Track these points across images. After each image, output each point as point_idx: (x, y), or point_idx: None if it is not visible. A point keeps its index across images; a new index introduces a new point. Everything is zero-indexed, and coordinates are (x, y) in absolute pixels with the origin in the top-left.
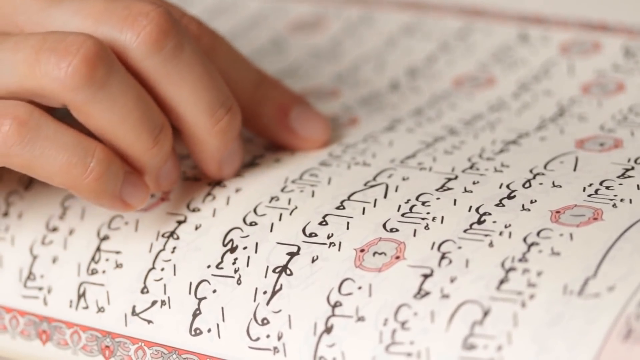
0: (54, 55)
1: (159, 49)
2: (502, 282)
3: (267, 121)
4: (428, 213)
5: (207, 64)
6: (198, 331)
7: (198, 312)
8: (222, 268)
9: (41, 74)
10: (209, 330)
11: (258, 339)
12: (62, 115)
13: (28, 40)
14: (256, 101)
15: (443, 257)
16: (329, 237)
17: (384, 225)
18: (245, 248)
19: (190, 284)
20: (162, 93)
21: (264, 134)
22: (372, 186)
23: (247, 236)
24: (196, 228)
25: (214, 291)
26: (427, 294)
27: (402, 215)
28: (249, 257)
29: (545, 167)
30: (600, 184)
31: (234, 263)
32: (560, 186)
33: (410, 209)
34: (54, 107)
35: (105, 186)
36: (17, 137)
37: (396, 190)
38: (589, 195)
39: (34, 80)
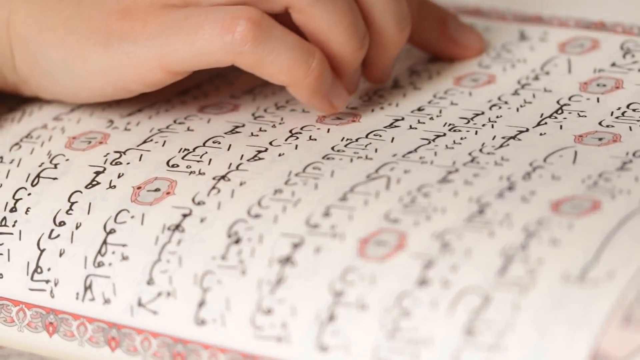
0: None
1: None
2: (502, 269)
3: (429, 34)
4: (429, 204)
5: None
6: (203, 321)
7: (203, 302)
8: (226, 259)
9: None
10: (214, 321)
11: (262, 328)
12: None
13: None
14: (421, 17)
15: (444, 246)
16: (332, 228)
17: (386, 216)
18: (249, 239)
19: (196, 275)
20: (361, 1)
21: (426, 47)
22: (374, 178)
23: (252, 228)
24: (201, 221)
25: (219, 282)
26: (429, 282)
27: (404, 206)
28: (253, 249)
29: (544, 160)
30: (599, 176)
31: (238, 254)
32: (560, 178)
33: (412, 200)
34: None
35: (321, 86)
36: (251, 36)
37: (398, 183)
38: (588, 187)
39: None
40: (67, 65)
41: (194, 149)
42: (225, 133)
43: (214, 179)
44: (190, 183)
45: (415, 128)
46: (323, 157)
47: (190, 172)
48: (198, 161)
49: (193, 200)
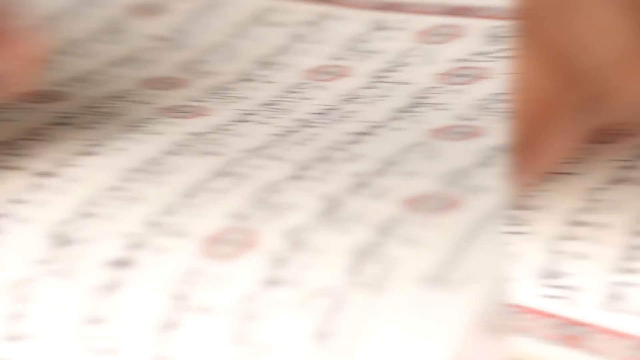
0: None
1: None
2: (356, 269)
3: None
4: (281, 201)
5: None
6: (17, 336)
7: (19, 315)
8: (51, 264)
9: None
10: (32, 336)
11: (93, 339)
12: None
13: None
14: None
15: (296, 244)
16: (174, 227)
17: (235, 214)
18: (80, 241)
19: (12, 282)
20: None
21: None
22: (222, 175)
23: (83, 228)
24: (20, 221)
25: (40, 290)
26: (279, 282)
27: (254, 203)
28: (84, 251)
29: (399, 156)
30: (458, 172)
31: (66, 258)
32: (415, 174)
33: (262, 197)
34: None
35: None
36: None
37: (247, 179)
38: (446, 184)
39: None
40: None
41: (14, 142)
42: (52, 124)
43: (36, 175)
44: (7, 180)
45: (267, 123)
46: (167, 153)
47: (8, 168)
48: (17, 155)
49: (11, 199)
